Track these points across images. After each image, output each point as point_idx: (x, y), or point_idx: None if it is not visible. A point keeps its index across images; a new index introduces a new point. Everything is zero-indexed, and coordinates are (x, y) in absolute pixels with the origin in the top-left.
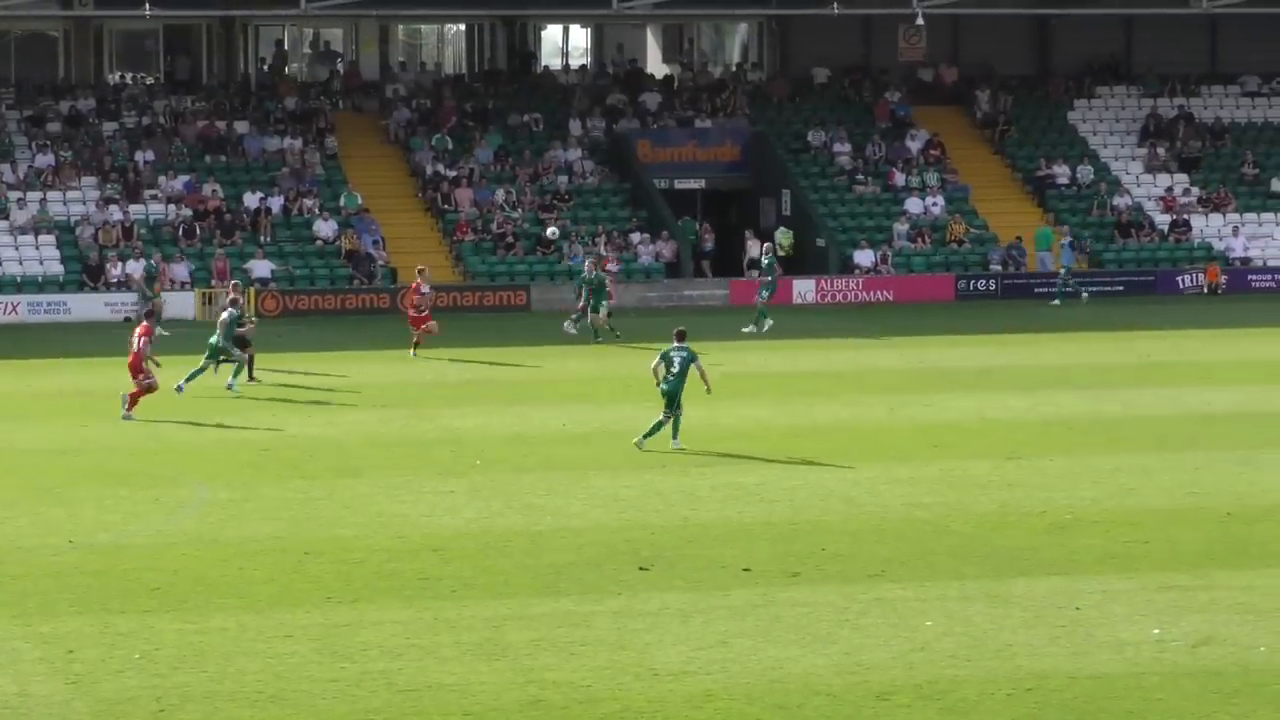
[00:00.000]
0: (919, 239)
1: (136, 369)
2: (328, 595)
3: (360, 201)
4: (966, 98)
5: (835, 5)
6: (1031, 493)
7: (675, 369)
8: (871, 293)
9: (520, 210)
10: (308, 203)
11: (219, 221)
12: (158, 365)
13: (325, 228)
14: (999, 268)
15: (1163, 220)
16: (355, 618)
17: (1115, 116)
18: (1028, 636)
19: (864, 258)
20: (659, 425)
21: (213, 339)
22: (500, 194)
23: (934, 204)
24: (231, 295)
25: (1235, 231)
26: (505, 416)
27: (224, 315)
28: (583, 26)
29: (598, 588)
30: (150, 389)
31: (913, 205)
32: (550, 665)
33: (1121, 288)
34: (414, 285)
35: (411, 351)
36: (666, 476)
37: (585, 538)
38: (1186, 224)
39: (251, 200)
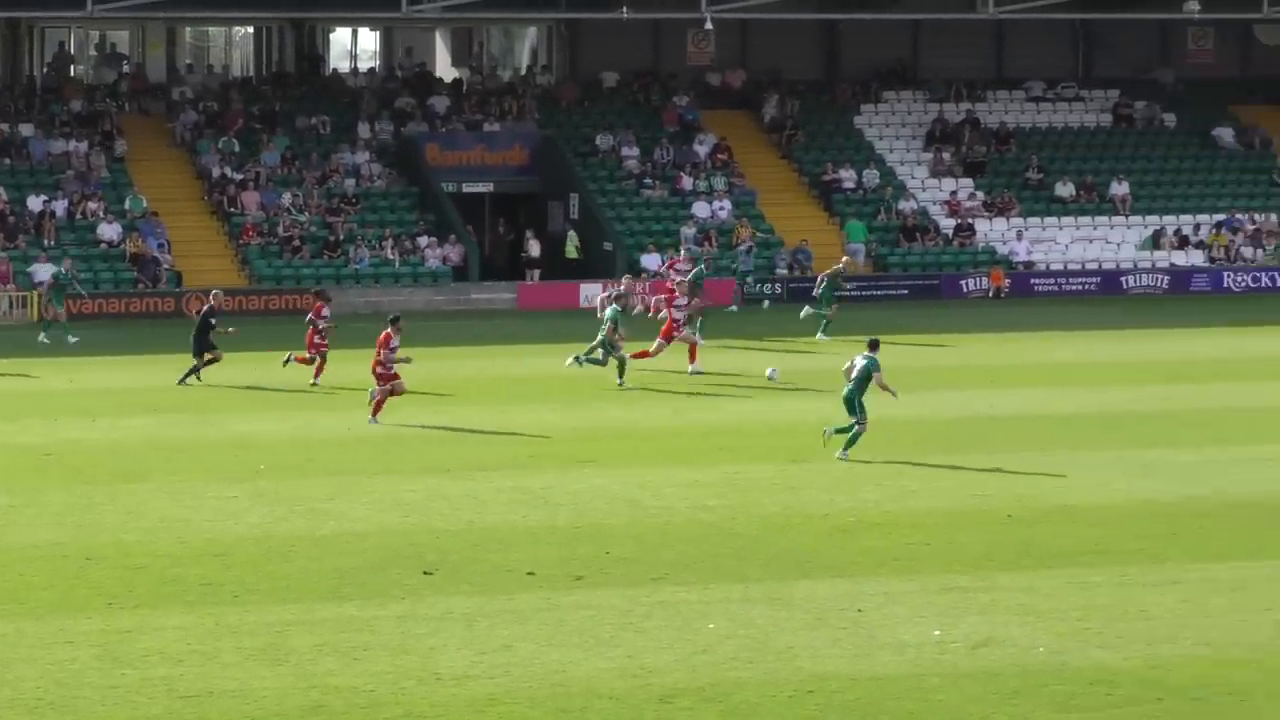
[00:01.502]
0: (706, 243)
1: None
2: (109, 601)
3: (146, 205)
4: (754, 102)
5: (624, 9)
6: (815, 495)
7: (854, 376)
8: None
9: (307, 214)
10: (92, 206)
11: (2, 224)
12: None
13: (110, 231)
14: (784, 271)
15: (948, 224)
16: (137, 624)
17: (901, 121)
18: (810, 638)
19: (651, 261)
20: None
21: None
22: (287, 197)
23: (721, 208)
24: None
25: (1019, 236)
26: (290, 421)
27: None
28: (372, 29)
29: (381, 592)
30: None
31: (700, 209)
32: (333, 670)
33: (906, 292)
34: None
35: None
36: (451, 481)
37: (369, 542)
38: (971, 228)
39: (35, 203)
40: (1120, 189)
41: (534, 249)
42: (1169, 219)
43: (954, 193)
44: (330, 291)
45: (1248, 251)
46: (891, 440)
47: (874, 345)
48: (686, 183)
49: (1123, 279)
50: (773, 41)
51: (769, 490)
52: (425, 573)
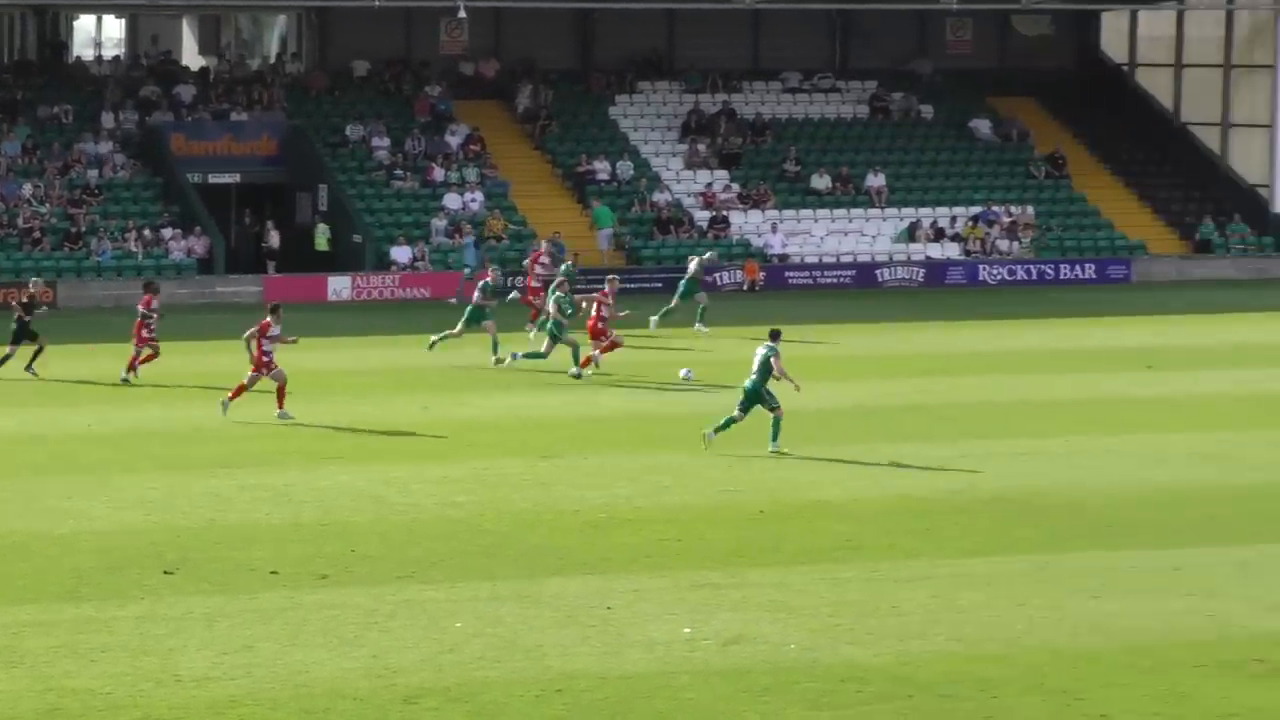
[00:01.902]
0: (457, 235)
1: None
2: None
3: None
4: (508, 92)
5: None
6: (566, 491)
7: (755, 365)
8: (408, 289)
9: (48, 205)
10: None
11: None
12: None
13: None
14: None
15: (702, 216)
16: None
17: (657, 112)
18: (559, 637)
19: (401, 254)
20: (730, 421)
21: None
22: (28, 188)
23: (473, 200)
24: None
25: (774, 228)
26: (26, 417)
27: None
28: (117, 17)
29: (120, 592)
30: None
31: (451, 201)
32: (70, 672)
33: (660, 285)
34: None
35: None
36: (193, 478)
37: (109, 541)
38: (726, 220)
39: None
40: (877, 181)
41: (274, 240)
42: (925, 211)
43: (709, 185)
44: (74, 284)
45: (1003, 244)
46: (646, 436)
47: (775, 335)
48: (438, 174)
49: (878, 272)
50: (527, 31)
51: (519, 486)
52: (166, 572)
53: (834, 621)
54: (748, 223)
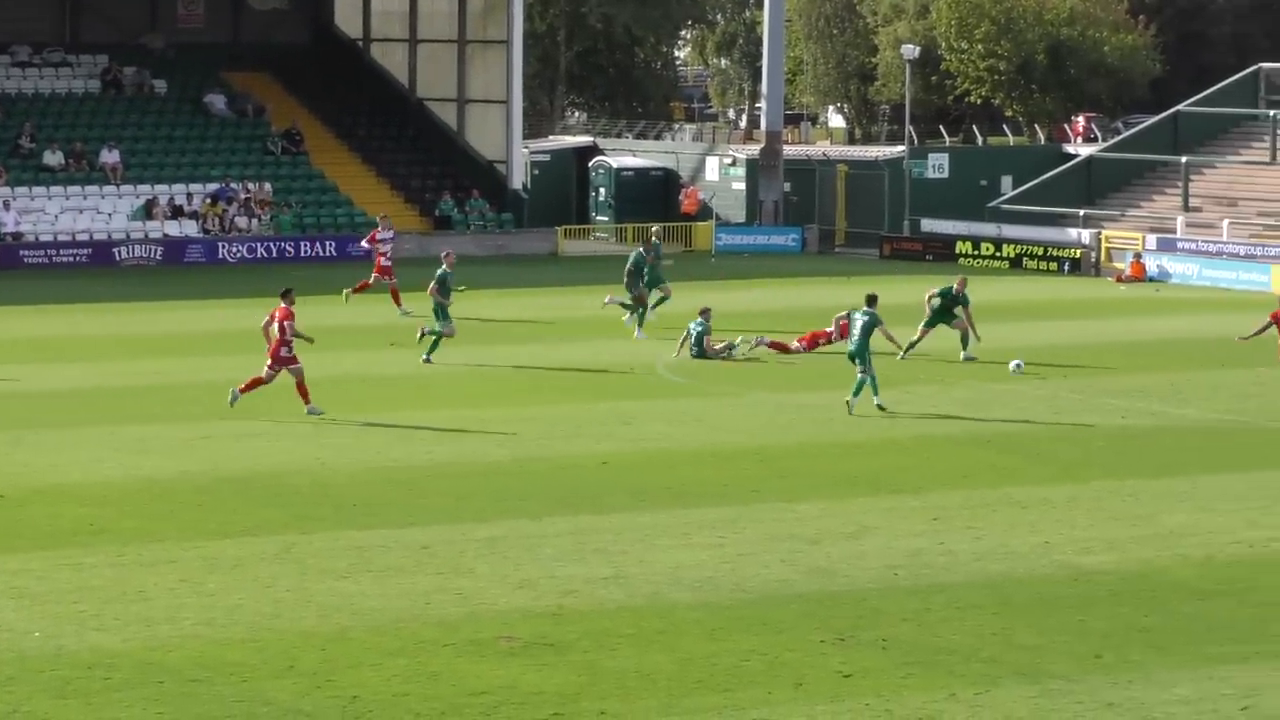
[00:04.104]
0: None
1: None
2: None
3: None
4: None
5: None
6: None
7: (857, 331)
8: None
9: None
10: None
11: None
12: None
13: None
14: None
15: None
16: None
17: None
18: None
19: None
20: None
21: None
22: None
23: None
24: None
25: (6, 206)
26: None
27: None
28: None
29: None
30: None
31: None
32: None
33: None
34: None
35: None
36: None
37: None
38: None
39: None
40: (111, 157)
41: None
42: (162, 188)
43: None
44: None
45: (242, 221)
46: None
47: (872, 300)
48: None
49: (115, 250)
50: None
51: None
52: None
53: (79, 608)
54: None
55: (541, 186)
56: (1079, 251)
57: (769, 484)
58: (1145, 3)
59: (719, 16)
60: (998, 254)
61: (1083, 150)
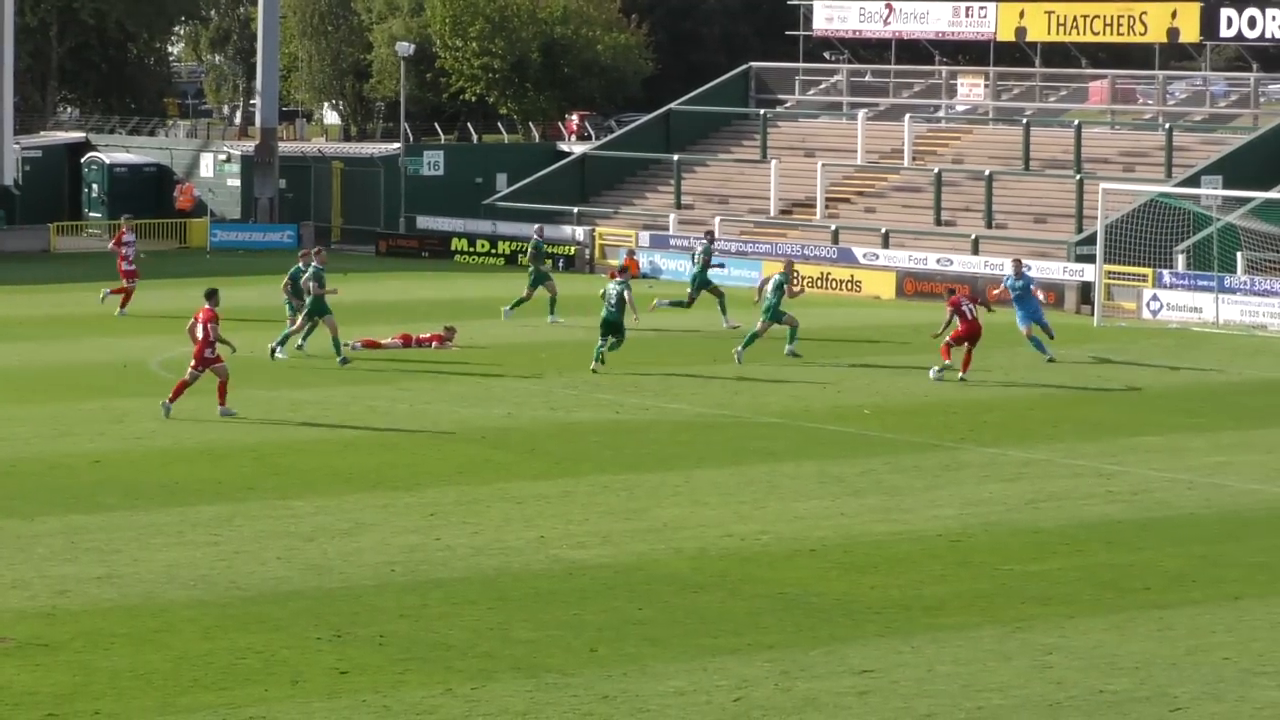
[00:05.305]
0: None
1: None
2: None
3: None
4: None
5: None
6: None
7: (612, 301)
8: None
9: None
10: None
11: None
12: None
13: None
14: None
15: None
16: None
17: None
18: None
19: None
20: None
21: None
22: None
23: None
24: None
25: None
26: None
27: None
28: None
29: None
30: None
31: None
32: None
33: None
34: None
35: None
36: None
37: None
38: None
39: None
40: None
41: None
42: None
43: None
44: None
45: None
46: None
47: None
48: None
49: None
50: None
51: None
52: None
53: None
54: None
55: (33, 183)
56: (574, 248)
57: (264, 481)
58: (637, 2)
59: (213, 12)
60: (493, 251)
61: (577, 148)
